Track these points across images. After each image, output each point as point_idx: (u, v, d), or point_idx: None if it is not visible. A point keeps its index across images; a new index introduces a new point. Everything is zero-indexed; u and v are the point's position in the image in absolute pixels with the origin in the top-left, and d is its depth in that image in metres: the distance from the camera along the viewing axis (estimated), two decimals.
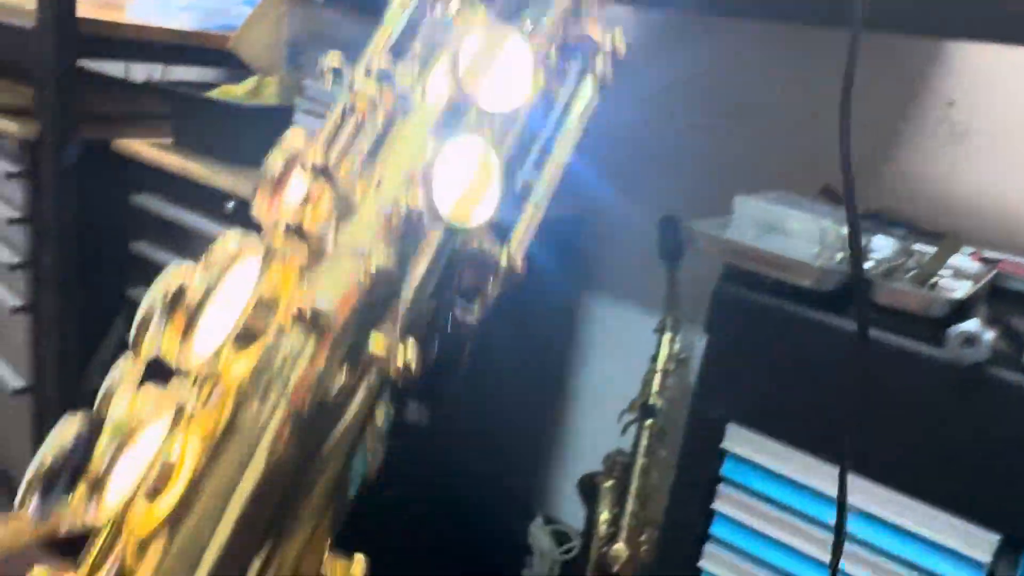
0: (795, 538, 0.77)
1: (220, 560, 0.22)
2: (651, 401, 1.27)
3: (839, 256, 0.78)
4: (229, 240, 0.25)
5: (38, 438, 1.44)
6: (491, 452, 1.36)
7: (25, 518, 0.23)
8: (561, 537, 1.52)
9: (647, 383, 1.28)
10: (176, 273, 0.25)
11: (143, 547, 0.22)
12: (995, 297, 0.79)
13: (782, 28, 1.21)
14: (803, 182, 1.01)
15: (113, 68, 1.77)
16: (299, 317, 0.23)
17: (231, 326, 0.24)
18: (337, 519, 0.27)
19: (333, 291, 0.25)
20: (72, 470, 0.23)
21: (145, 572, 0.22)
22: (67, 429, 0.23)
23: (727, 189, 0.85)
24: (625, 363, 1.42)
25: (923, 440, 0.70)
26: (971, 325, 0.65)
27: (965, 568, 0.69)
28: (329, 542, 0.27)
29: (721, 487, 0.80)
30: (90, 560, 0.23)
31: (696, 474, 0.81)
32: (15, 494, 0.23)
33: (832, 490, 0.72)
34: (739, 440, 0.78)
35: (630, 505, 1.27)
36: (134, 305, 0.27)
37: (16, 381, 1.43)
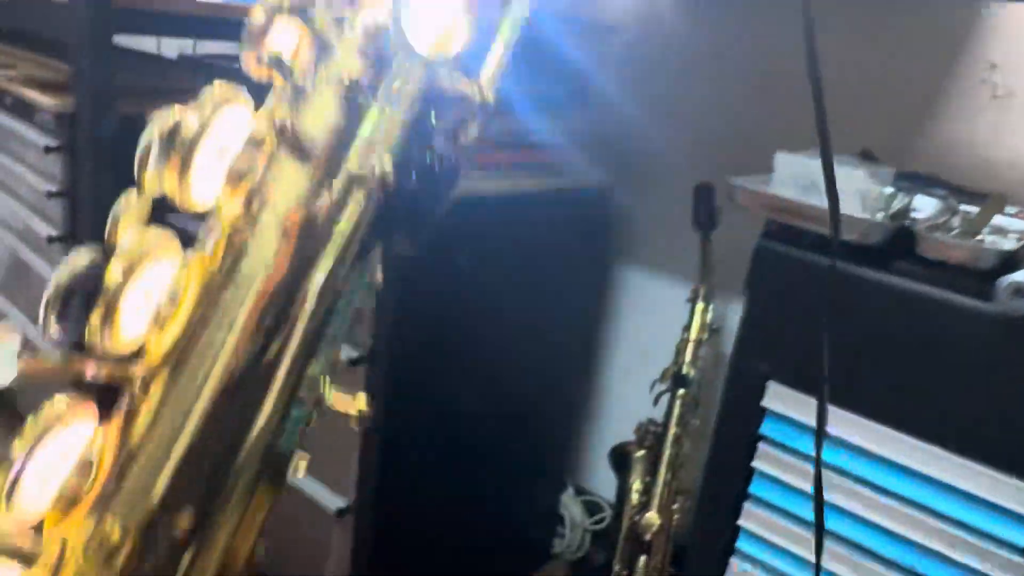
0: (836, 495, 0.76)
1: (216, 396, 0.24)
2: (684, 371, 1.26)
3: (880, 215, 0.77)
4: (218, 86, 0.27)
5: None
6: (523, 423, 1.36)
7: (53, 357, 0.25)
8: (592, 507, 1.52)
9: (679, 352, 1.28)
10: (170, 113, 0.26)
11: (146, 384, 0.24)
12: None
13: None
14: (839, 148, 1.00)
15: (146, 44, 1.79)
16: (282, 132, 0.25)
17: (224, 169, 0.26)
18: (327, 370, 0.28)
19: (316, 117, 0.26)
20: (86, 294, 0.24)
21: (149, 406, 0.23)
22: (79, 257, 0.25)
23: (762, 157, 0.85)
24: (657, 333, 1.42)
25: (972, 396, 0.69)
26: (1021, 276, 0.64)
27: (1019, 528, 0.68)
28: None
29: (761, 445, 0.80)
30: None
31: (735, 433, 0.81)
32: None
33: (876, 448, 0.72)
34: (779, 398, 0.78)
35: (662, 474, 1.27)
36: None
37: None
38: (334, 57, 0.27)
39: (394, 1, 0.26)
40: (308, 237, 0.25)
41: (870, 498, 0.74)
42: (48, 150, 1.39)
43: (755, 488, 0.81)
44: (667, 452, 1.27)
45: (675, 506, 1.27)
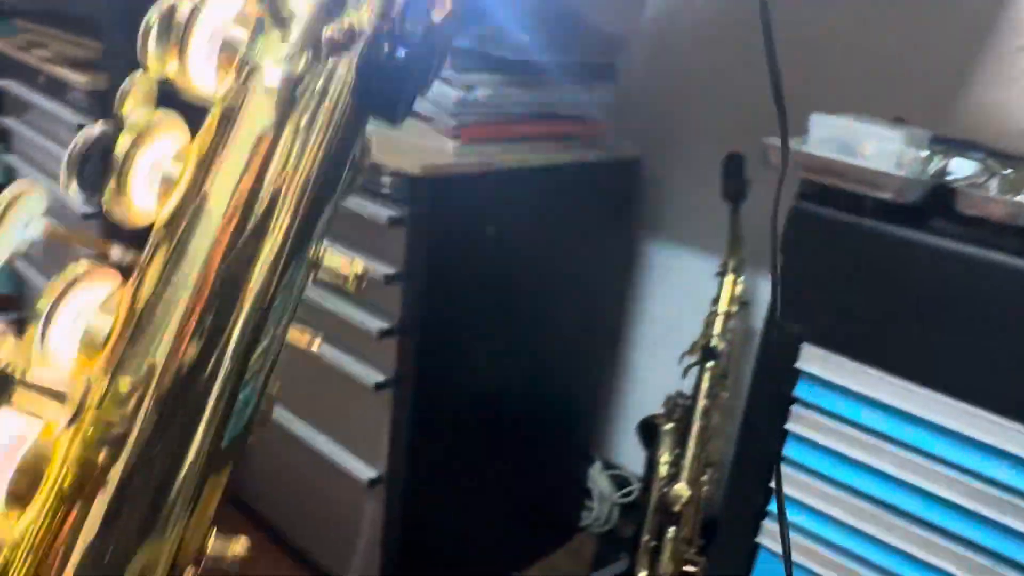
0: (871, 457, 0.76)
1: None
2: (713, 343, 1.27)
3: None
4: None
5: None
6: (550, 396, 1.37)
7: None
8: (620, 481, 1.53)
9: (709, 325, 1.28)
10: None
11: (154, 251, 0.25)
12: None
13: None
14: (875, 114, 1.00)
15: None
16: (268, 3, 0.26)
17: (218, 50, 0.27)
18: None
19: None
20: (100, 159, 0.26)
21: (155, 269, 0.25)
22: (92, 128, 0.27)
23: (793, 128, 0.84)
24: (686, 306, 1.42)
25: (1013, 355, 0.68)
26: None
27: None
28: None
29: (794, 408, 0.80)
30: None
31: (769, 395, 0.81)
32: None
33: (912, 408, 0.72)
34: (814, 360, 0.78)
35: (691, 446, 1.27)
36: None
37: None
38: None
39: None
40: (294, 100, 0.26)
41: (904, 458, 0.74)
42: (80, 128, 1.41)
43: (788, 450, 0.81)
44: (696, 424, 1.27)
45: (704, 478, 1.27)
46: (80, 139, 0.27)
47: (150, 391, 0.23)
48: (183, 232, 0.25)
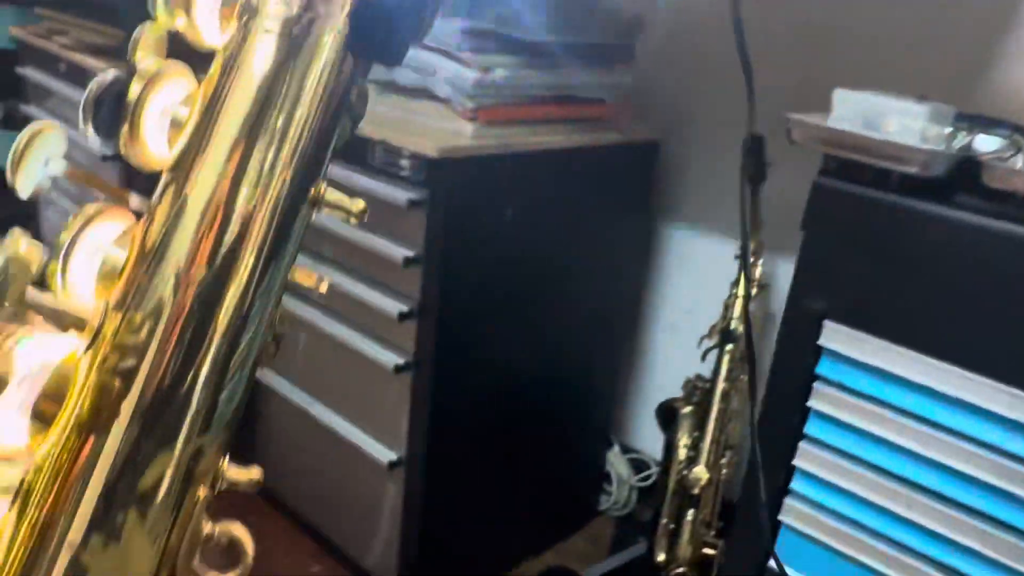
0: (894, 434, 0.76)
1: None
2: (732, 326, 1.26)
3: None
4: None
5: None
6: (569, 380, 1.37)
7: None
8: (638, 465, 1.53)
9: (728, 308, 1.27)
10: None
11: (163, 192, 0.26)
12: None
13: None
14: (900, 90, 0.99)
15: None
16: None
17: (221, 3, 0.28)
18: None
19: None
20: (114, 103, 0.28)
21: (164, 210, 0.26)
22: (106, 74, 0.29)
23: (814, 108, 0.84)
24: (705, 290, 1.41)
25: None
26: None
27: None
28: None
29: (816, 385, 0.80)
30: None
31: (791, 373, 0.80)
32: None
33: (938, 386, 0.71)
34: (837, 337, 0.77)
35: (710, 429, 1.27)
36: None
37: None
38: None
39: None
40: (291, 42, 0.27)
41: (928, 435, 0.74)
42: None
43: (811, 428, 0.81)
44: (715, 407, 1.27)
45: (723, 460, 1.27)
46: (94, 84, 0.28)
47: (160, 323, 0.24)
48: (189, 174, 0.26)
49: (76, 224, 0.28)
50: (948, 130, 0.80)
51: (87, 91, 0.28)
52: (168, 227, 0.25)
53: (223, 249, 0.25)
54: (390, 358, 1.14)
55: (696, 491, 1.26)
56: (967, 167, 0.71)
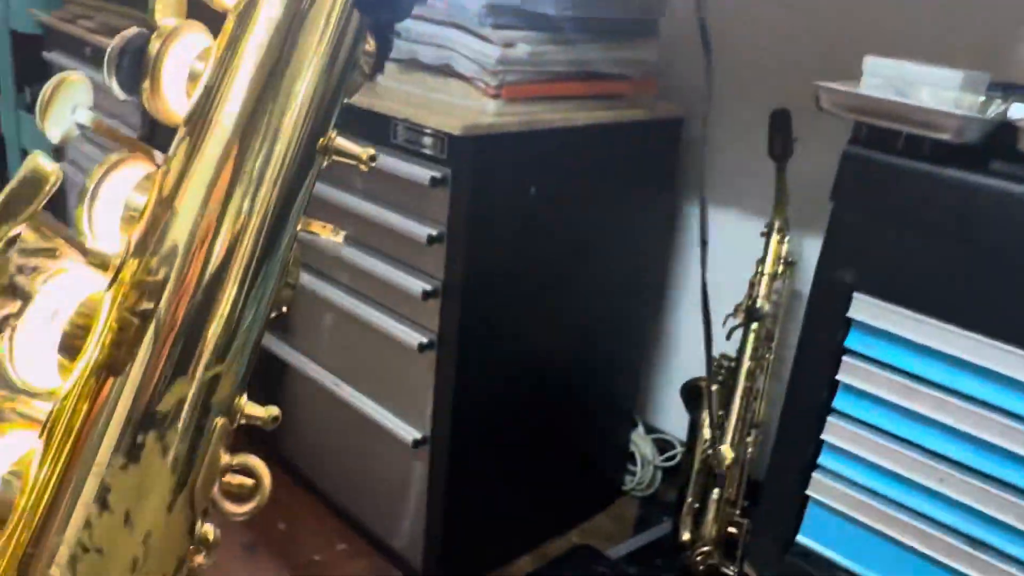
0: (926, 407, 0.75)
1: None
2: (757, 304, 1.25)
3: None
4: None
5: None
6: (593, 360, 1.37)
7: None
8: (662, 445, 1.52)
9: (753, 286, 1.26)
10: None
11: (180, 141, 0.27)
12: None
13: None
14: (934, 59, 0.97)
15: None
16: None
17: None
18: None
19: None
20: (136, 56, 0.29)
21: (180, 158, 0.27)
22: (129, 30, 0.30)
23: (847, 70, 0.82)
24: (730, 268, 1.40)
25: None
26: None
27: None
28: None
29: (845, 358, 0.79)
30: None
31: (820, 346, 0.79)
32: None
33: (969, 357, 0.70)
34: (866, 309, 0.76)
35: (736, 408, 1.26)
36: None
37: None
38: None
39: None
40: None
41: (960, 408, 0.73)
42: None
43: (839, 402, 0.80)
44: (741, 386, 1.26)
45: (749, 439, 1.26)
46: (117, 39, 0.30)
47: (176, 261, 0.26)
48: (204, 124, 0.27)
49: (100, 171, 0.29)
50: (982, 99, 0.78)
51: (111, 46, 0.30)
52: (184, 173, 0.26)
53: (236, 196, 0.26)
54: (414, 337, 1.14)
55: (721, 470, 1.26)
56: (1002, 133, 0.69)
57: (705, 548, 1.26)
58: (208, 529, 0.28)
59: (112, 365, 0.25)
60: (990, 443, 0.72)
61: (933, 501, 0.75)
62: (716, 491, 1.26)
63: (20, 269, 0.27)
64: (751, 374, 1.26)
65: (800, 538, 0.84)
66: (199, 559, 0.28)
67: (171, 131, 0.30)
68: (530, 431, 1.30)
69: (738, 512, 1.26)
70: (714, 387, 1.30)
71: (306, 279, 1.28)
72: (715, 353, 1.31)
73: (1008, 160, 0.68)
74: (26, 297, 0.27)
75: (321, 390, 1.31)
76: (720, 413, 1.28)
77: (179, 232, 0.26)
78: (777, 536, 0.85)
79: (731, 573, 1.25)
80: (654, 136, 1.30)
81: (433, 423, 1.18)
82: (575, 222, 1.22)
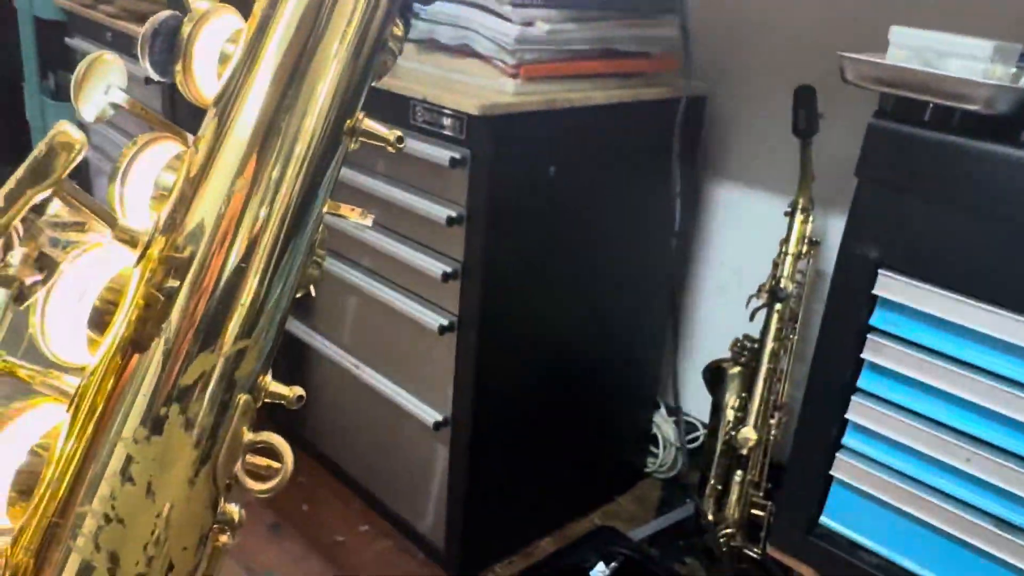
0: (953, 386, 0.73)
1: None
2: (781, 284, 1.24)
3: None
4: None
5: None
6: (614, 341, 1.36)
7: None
8: (685, 427, 1.52)
9: (777, 266, 1.25)
10: None
11: (209, 121, 0.28)
12: None
13: None
14: (965, 32, 0.95)
15: None
16: None
17: None
18: None
19: None
20: (168, 37, 0.30)
21: (208, 137, 0.27)
22: (161, 13, 0.30)
23: (873, 41, 0.80)
24: (753, 248, 1.38)
25: None
26: None
27: None
28: None
29: (870, 337, 0.77)
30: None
31: (844, 323, 0.78)
32: None
33: (998, 334, 0.68)
34: (891, 286, 0.75)
35: (759, 390, 1.25)
36: None
37: None
38: None
39: None
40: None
41: (989, 386, 0.71)
42: (148, 81, 1.44)
43: (864, 381, 0.78)
44: (764, 367, 1.25)
45: (772, 421, 1.25)
46: (149, 21, 0.30)
47: (203, 242, 0.26)
48: (232, 105, 0.27)
49: (132, 150, 0.30)
50: (1013, 70, 0.76)
51: (144, 28, 0.30)
52: (212, 152, 0.27)
53: (263, 176, 0.27)
54: (434, 319, 1.14)
55: (744, 452, 1.25)
56: None
57: (728, 530, 1.25)
58: (233, 509, 0.28)
59: (138, 341, 0.26)
60: (1019, 422, 0.70)
61: (960, 481, 0.74)
62: (739, 473, 1.25)
63: (54, 243, 0.27)
64: (774, 355, 1.25)
65: (824, 519, 0.83)
66: (223, 538, 0.28)
67: (193, 114, 0.31)
68: (551, 412, 1.29)
69: (762, 494, 1.26)
70: (737, 369, 1.29)
71: (326, 262, 1.28)
72: (738, 334, 1.30)
73: None
74: (56, 270, 0.27)
75: (343, 372, 1.31)
76: (743, 395, 1.27)
77: (207, 210, 0.26)
78: (801, 517, 0.84)
79: (755, 555, 1.24)
80: (676, 113, 1.28)
81: (454, 405, 1.18)
82: (595, 202, 1.21)
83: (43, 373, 0.28)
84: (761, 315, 1.26)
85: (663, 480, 1.50)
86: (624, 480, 1.47)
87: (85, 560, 0.24)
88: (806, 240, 1.24)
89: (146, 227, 0.27)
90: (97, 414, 0.25)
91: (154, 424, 0.25)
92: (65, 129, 0.27)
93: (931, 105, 0.68)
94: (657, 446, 1.50)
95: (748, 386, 1.27)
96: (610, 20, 1.16)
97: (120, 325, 0.26)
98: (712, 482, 1.28)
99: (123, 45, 1.42)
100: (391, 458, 1.32)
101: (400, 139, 0.31)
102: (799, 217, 1.23)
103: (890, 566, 0.79)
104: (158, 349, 0.25)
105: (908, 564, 0.78)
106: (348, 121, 0.29)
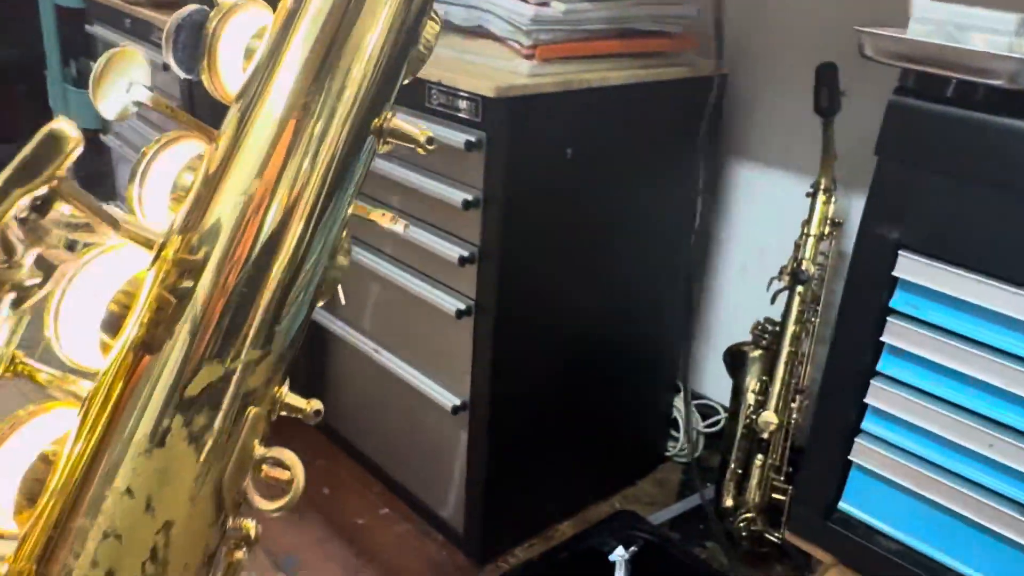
0: (975, 369, 0.72)
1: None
2: (803, 267, 1.22)
3: None
4: None
5: None
6: (633, 325, 1.35)
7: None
8: (705, 411, 1.51)
9: (799, 248, 1.23)
10: None
11: (230, 119, 0.26)
12: None
13: None
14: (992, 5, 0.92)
15: None
16: None
17: None
18: None
19: None
20: (192, 31, 0.29)
21: (228, 136, 0.26)
22: (186, 7, 0.29)
23: (894, 15, 0.78)
24: (774, 229, 1.36)
25: None
26: None
27: None
28: None
29: (890, 319, 0.76)
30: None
31: (864, 305, 0.76)
32: None
33: (1020, 316, 0.67)
34: (912, 267, 0.73)
35: (780, 373, 1.23)
36: None
37: None
38: None
39: None
40: None
41: (1012, 370, 0.69)
42: (166, 67, 1.44)
43: (884, 365, 0.77)
44: (785, 350, 1.23)
45: (793, 405, 1.24)
46: (173, 16, 0.29)
47: (217, 244, 0.25)
48: (255, 102, 0.26)
49: (153, 148, 0.29)
50: None
51: (168, 22, 0.29)
52: (231, 151, 0.25)
53: (285, 175, 0.25)
54: (451, 303, 1.13)
55: (765, 436, 1.23)
56: None
57: (748, 514, 1.24)
58: (249, 524, 0.27)
59: (148, 343, 0.24)
60: None
61: (981, 466, 0.73)
62: (760, 457, 1.24)
63: (71, 245, 0.26)
64: (796, 338, 1.23)
65: (842, 504, 0.82)
66: (239, 554, 0.27)
67: (212, 103, 0.30)
68: (570, 396, 1.29)
69: (783, 479, 1.24)
70: (758, 352, 1.27)
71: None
72: (759, 317, 1.29)
73: None
74: (55, 272, 0.26)
75: (362, 357, 1.32)
76: (764, 378, 1.26)
77: (223, 210, 0.25)
78: (818, 502, 0.83)
79: (775, 539, 1.23)
80: (696, 93, 1.26)
81: (472, 389, 1.18)
82: (613, 184, 1.20)
83: (61, 377, 0.27)
84: (782, 298, 1.24)
85: (683, 464, 1.49)
86: (644, 464, 1.47)
87: (81, 574, 0.24)
88: (828, 221, 1.22)
89: (161, 228, 0.26)
90: (102, 422, 0.24)
91: (156, 436, 0.24)
92: (56, 127, 0.26)
93: (954, 81, 0.66)
94: (677, 429, 1.49)
95: (769, 369, 1.25)
96: None
97: (132, 329, 0.25)
98: (732, 466, 1.27)
99: (142, 32, 1.42)
100: (411, 442, 1.33)
101: (431, 140, 0.29)
102: (821, 198, 1.21)
103: (909, 552, 0.78)
104: (163, 356, 0.24)
105: (927, 550, 0.77)
106: (376, 120, 0.27)
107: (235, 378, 0.25)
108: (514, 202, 1.08)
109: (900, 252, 0.73)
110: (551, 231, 1.15)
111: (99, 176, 1.67)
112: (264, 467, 0.26)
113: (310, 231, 0.26)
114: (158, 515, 0.24)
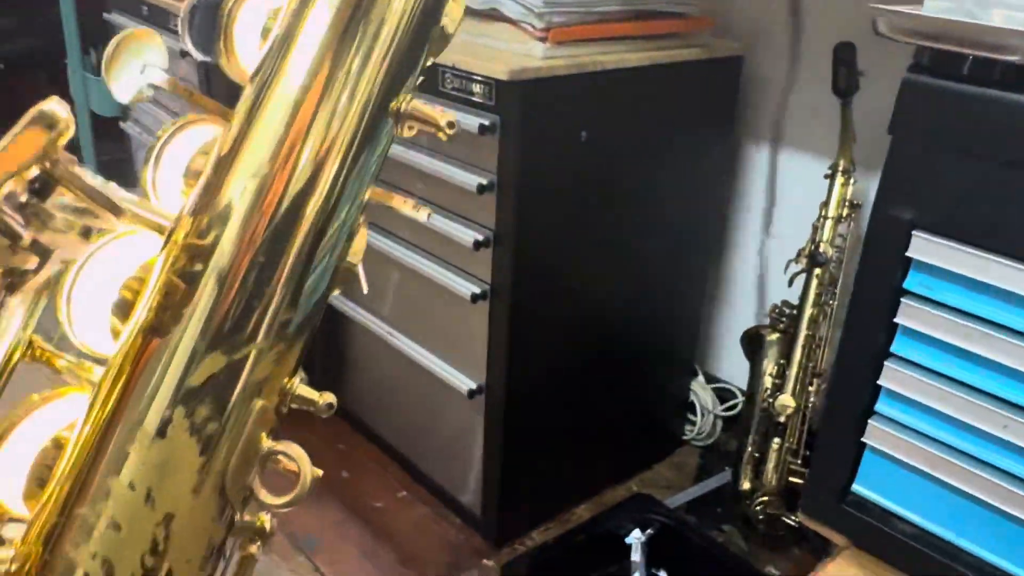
0: (990, 350, 0.71)
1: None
2: (820, 249, 1.21)
3: None
4: None
5: None
6: (651, 308, 1.35)
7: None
8: (722, 394, 1.50)
9: (817, 230, 1.22)
10: None
11: (243, 100, 0.26)
12: None
13: None
14: None
15: None
16: None
17: None
18: None
19: None
20: (208, 12, 0.28)
21: (240, 118, 0.25)
22: None
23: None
24: (792, 211, 1.35)
25: None
26: None
27: None
28: None
29: (904, 300, 0.75)
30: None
31: (877, 286, 0.76)
32: None
33: None
34: (926, 248, 0.72)
35: (797, 356, 1.23)
36: None
37: None
38: None
39: None
40: None
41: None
42: (184, 54, 1.45)
43: (898, 346, 0.76)
44: (803, 334, 1.22)
45: (811, 388, 1.23)
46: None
47: (227, 227, 0.24)
48: (269, 83, 0.25)
49: (168, 131, 0.29)
50: None
51: (183, 4, 0.29)
52: (243, 133, 0.25)
53: (300, 159, 0.24)
54: (467, 287, 1.14)
55: (782, 419, 1.23)
56: None
57: (765, 497, 1.24)
58: (264, 518, 0.27)
59: (156, 328, 0.24)
60: None
61: (996, 448, 0.72)
62: (777, 440, 1.24)
63: (85, 231, 0.26)
64: (813, 321, 1.22)
65: (856, 487, 0.82)
66: (252, 548, 0.27)
67: (229, 85, 0.29)
68: (587, 380, 1.29)
69: (800, 462, 1.24)
70: (776, 335, 1.27)
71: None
72: (777, 300, 1.28)
73: None
74: (50, 257, 0.26)
75: (379, 341, 1.33)
76: (782, 362, 1.25)
77: (234, 194, 0.24)
78: (833, 485, 0.82)
79: (792, 523, 1.23)
80: (712, 75, 1.25)
81: (488, 373, 1.18)
82: (629, 168, 1.20)
83: (77, 364, 0.27)
84: (800, 280, 1.23)
85: (701, 447, 1.49)
86: (662, 447, 1.47)
87: (79, 565, 0.23)
88: (847, 203, 1.20)
89: (174, 212, 0.26)
90: (107, 410, 0.24)
91: (158, 426, 0.23)
92: (46, 107, 0.25)
93: (971, 58, 0.65)
94: (694, 413, 1.49)
95: (787, 353, 1.25)
96: None
97: (140, 314, 0.24)
98: (750, 449, 1.27)
99: (160, 19, 1.43)
100: (428, 425, 1.34)
101: (452, 124, 0.28)
102: (839, 179, 1.20)
103: (924, 534, 0.77)
104: (168, 344, 0.24)
105: (942, 532, 0.77)
106: (393, 103, 0.26)
107: (237, 369, 0.24)
108: (529, 186, 1.08)
109: (914, 232, 0.72)
110: (566, 214, 1.15)
111: (119, 163, 1.69)
112: (280, 459, 0.26)
113: (326, 216, 0.25)
114: (159, 507, 0.24)
